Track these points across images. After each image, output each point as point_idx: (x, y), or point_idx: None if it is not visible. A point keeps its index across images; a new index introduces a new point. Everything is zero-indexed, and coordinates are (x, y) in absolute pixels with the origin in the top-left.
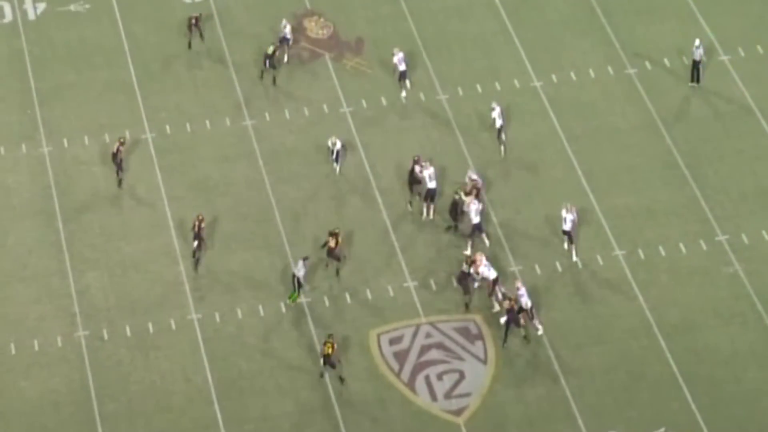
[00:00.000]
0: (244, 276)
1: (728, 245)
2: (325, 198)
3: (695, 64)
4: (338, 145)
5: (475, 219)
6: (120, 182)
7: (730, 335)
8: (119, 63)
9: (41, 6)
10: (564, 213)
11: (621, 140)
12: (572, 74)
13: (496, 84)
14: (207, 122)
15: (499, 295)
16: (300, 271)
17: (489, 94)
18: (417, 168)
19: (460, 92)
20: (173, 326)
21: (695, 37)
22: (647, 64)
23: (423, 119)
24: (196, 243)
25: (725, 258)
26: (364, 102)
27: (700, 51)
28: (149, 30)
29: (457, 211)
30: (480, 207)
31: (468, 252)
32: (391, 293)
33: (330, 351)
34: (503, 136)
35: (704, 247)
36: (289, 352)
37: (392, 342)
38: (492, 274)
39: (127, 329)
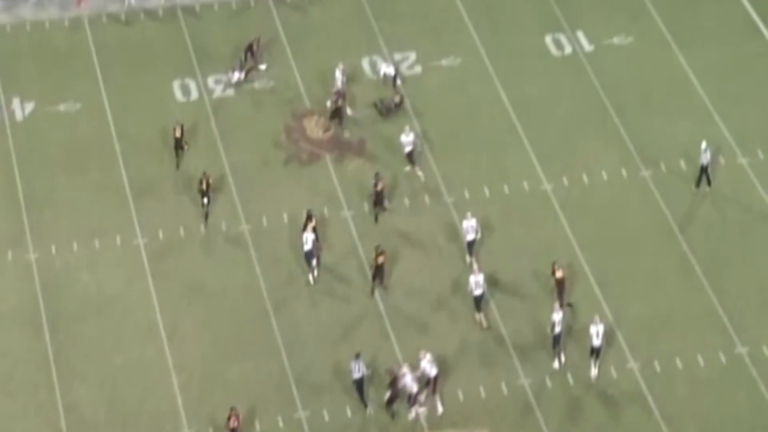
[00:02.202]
0: (240, 387)
1: (749, 358)
2: (327, 299)
3: (703, 169)
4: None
5: (477, 291)
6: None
7: None
8: (111, 165)
9: (29, 106)
10: (593, 328)
11: (635, 246)
12: (584, 176)
13: (505, 187)
14: (201, 227)
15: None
16: (358, 372)
17: (497, 197)
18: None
19: (467, 195)
20: None
21: (713, 138)
22: (662, 166)
23: (429, 223)
24: (205, 200)
25: (745, 372)
26: (365, 205)
27: (708, 155)
28: (142, 130)
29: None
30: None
31: None
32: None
33: None
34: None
35: (723, 360)
36: None
37: None
38: (434, 371)
39: None
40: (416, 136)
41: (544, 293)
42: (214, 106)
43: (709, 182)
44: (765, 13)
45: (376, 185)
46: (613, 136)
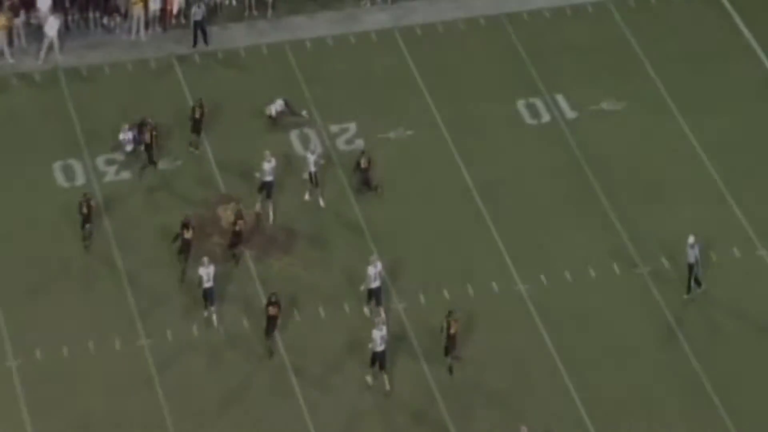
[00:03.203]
0: None
1: None
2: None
3: (690, 269)
4: None
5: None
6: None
7: None
8: None
9: None
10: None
11: (631, 360)
12: (567, 274)
13: (469, 288)
14: (90, 344)
15: None
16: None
17: (460, 300)
18: None
19: (422, 299)
20: None
21: (725, 224)
22: (663, 261)
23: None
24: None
25: None
26: (296, 313)
27: (696, 251)
28: (18, 228)
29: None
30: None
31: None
32: None
33: None
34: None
35: None
36: None
37: None
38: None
39: None
40: (319, 156)
41: (514, 415)
42: (105, 192)
43: (699, 284)
44: None
45: (359, 163)
46: (603, 223)
